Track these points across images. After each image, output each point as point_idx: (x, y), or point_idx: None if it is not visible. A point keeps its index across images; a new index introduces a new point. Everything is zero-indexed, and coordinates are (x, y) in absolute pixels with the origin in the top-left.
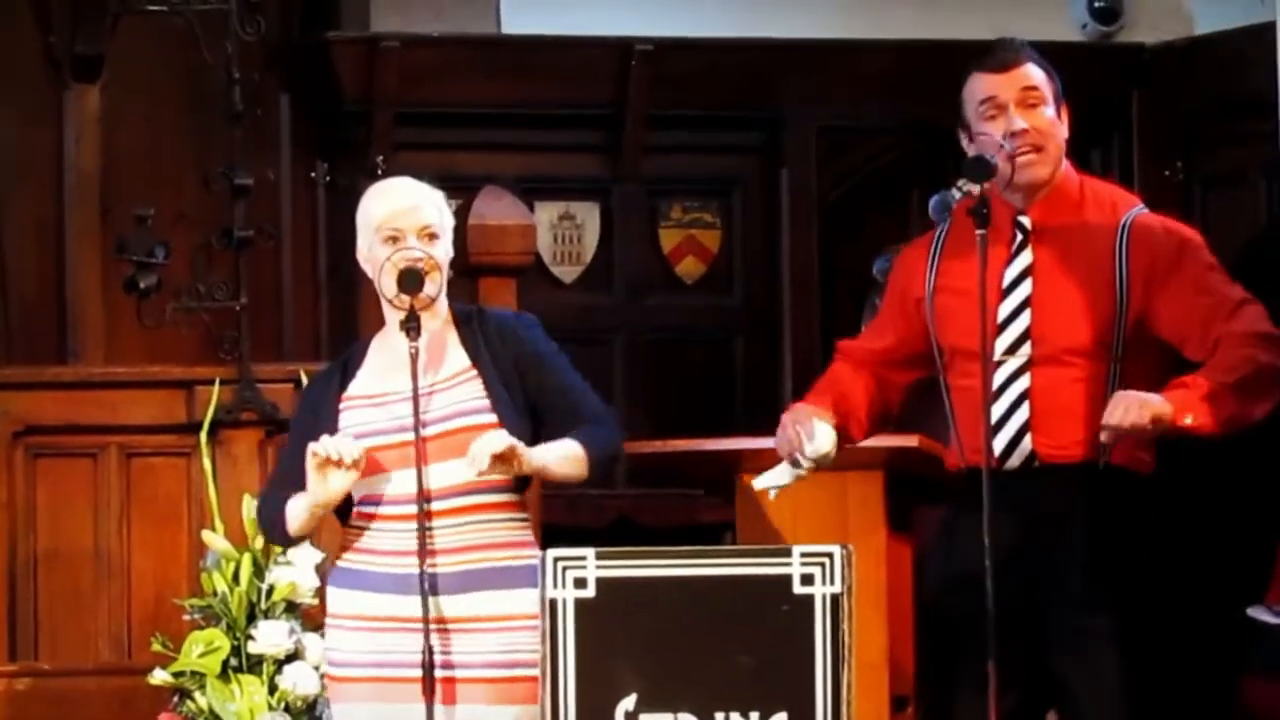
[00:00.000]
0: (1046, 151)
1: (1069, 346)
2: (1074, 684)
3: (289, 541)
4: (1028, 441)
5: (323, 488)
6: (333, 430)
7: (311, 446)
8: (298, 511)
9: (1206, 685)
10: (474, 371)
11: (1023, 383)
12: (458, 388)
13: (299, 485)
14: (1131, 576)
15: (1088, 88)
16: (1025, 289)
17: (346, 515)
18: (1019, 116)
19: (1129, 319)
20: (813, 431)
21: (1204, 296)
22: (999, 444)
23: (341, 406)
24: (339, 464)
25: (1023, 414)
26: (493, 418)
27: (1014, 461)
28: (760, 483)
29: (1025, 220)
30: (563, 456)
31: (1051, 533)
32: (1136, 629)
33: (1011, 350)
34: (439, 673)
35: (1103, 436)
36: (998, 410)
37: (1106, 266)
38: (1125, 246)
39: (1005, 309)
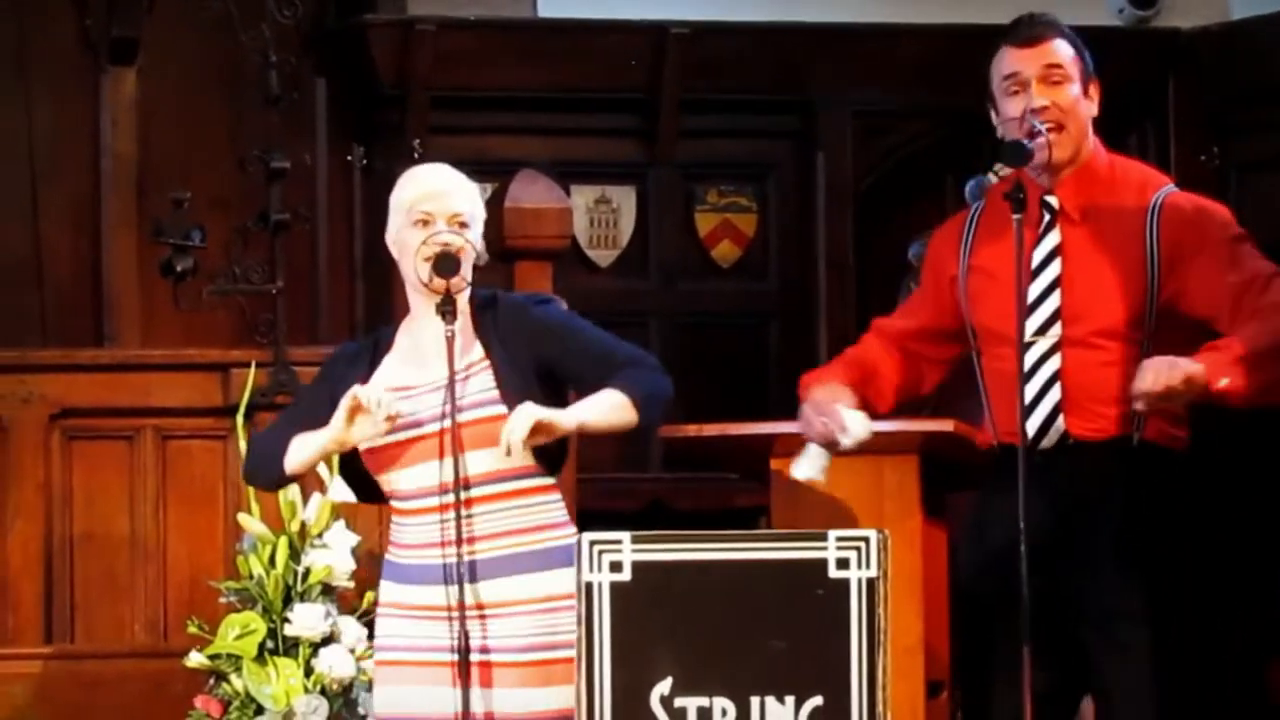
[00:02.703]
0: (1066, 130)
1: (1100, 328)
2: (1105, 664)
3: (276, 480)
4: (1060, 423)
5: (345, 431)
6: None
7: (355, 389)
8: (304, 450)
9: (1235, 667)
10: (486, 362)
11: (1054, 364)
12: (474, 377)
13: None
14: (1165, 556)
15: (1123, 73)
16: (1054, 269)
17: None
18: (1040, 93)
19: (1159, 299)
20: (843, 422)
21: (1234, 273)
22: (1032, 426)
23: None
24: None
25: (1054, 395)
26: (501, 409)
27: (1047, 443)
28: (800, 472)
29: (1052, 200)
30: (605, 408)
31: (1085, 511)
32: (1168, 610)
33: (1041, 331)
34: (480, 657)
35: (1136, 405)
36: (1030, 392)
37: (1137, 247)
38: (1156, 227)
39: (1035, 290)
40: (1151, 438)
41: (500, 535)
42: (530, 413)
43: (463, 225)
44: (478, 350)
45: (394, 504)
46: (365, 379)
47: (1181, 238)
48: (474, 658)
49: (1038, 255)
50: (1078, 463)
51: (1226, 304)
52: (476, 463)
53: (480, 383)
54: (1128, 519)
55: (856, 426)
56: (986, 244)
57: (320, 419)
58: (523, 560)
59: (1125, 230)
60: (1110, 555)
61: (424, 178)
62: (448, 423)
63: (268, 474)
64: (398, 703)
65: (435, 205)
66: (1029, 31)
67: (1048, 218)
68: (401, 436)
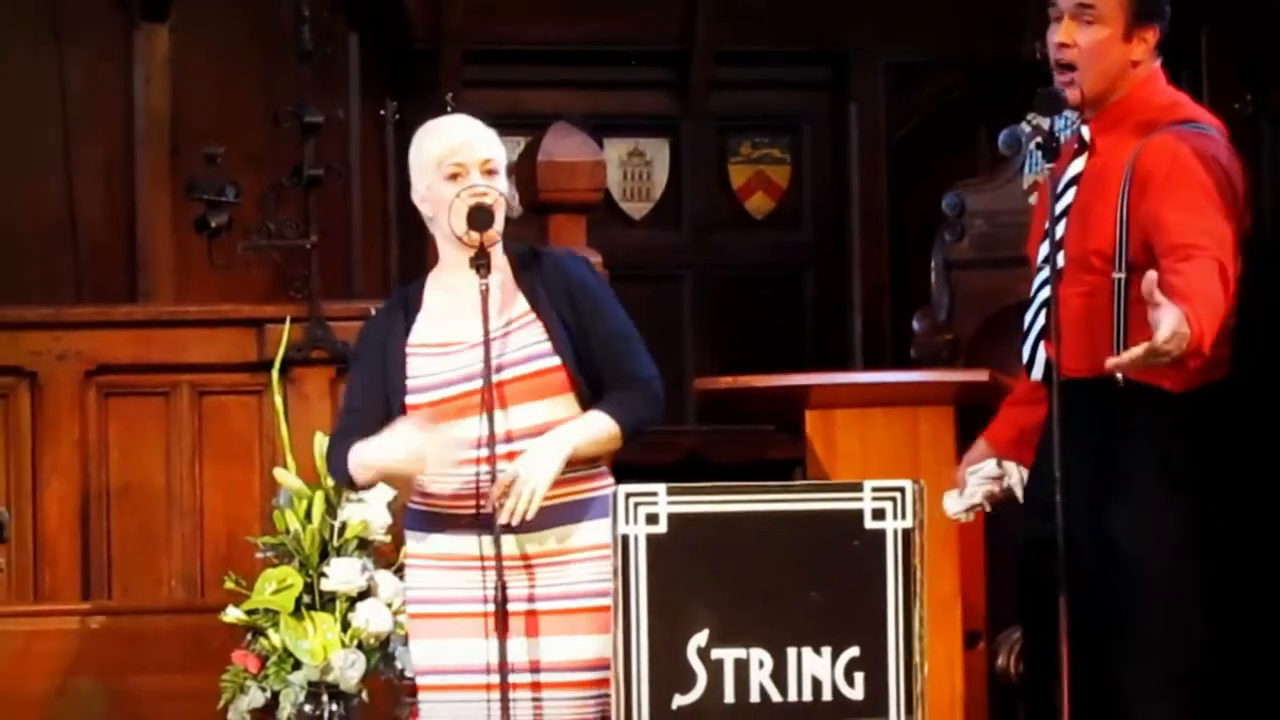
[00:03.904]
0: (1081, 71)
1: (1080, 261)
2: (1085, 609)
3: (354, 488)
4: (1043, 353)
5: (402, 469)
6: (401, 378)
7: (426, 470)
8: (366, 471)
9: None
10: (532, 315)
11: (1045, 292)
12: (516, 333)
13: (365, 429)
14: (1143, 503)
15: None
16: (1068, 198)
17: None
18: (1065, 30)
19: (1130, 237)
20: (954, 501)
21: (1163, 218)
22: (1025, 353)
23: (408, 353)
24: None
25: (1039, 324)
26: (556, 360)
27: (1036, 373)
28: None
29: (1085, 131)
30: (595, 439)
31: (1074, 452)
32: (1148, 564)
33: (1048, 259)
34: (531, 606)
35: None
36: (1026, 320)
37: (1116, 185)
38: (1132, 165)
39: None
40: (1137, 378)
41: (574, 481)
42: (534, 488)
43: (492, 172)
44: (522, 303)
45: None
46: (403, 343)
47: (1148, 179)
48: (526, 606)
49: (1061, 184)
50: (1065, 401)
51: (1157, 255)
52: (529, 415)
53: (529, 335)
54: (1104, 464)
55: (953, 508)
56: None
57: (372, 398)
58: (567, 510)
59: (1119, 164)
60: (1085, 501)
61: (449, 130)
62: (498, 376)
63: (346, 485)
64: (441, 656)
65: (466, 156)
66: None
67: (1077, 148)
68: (449, 393)
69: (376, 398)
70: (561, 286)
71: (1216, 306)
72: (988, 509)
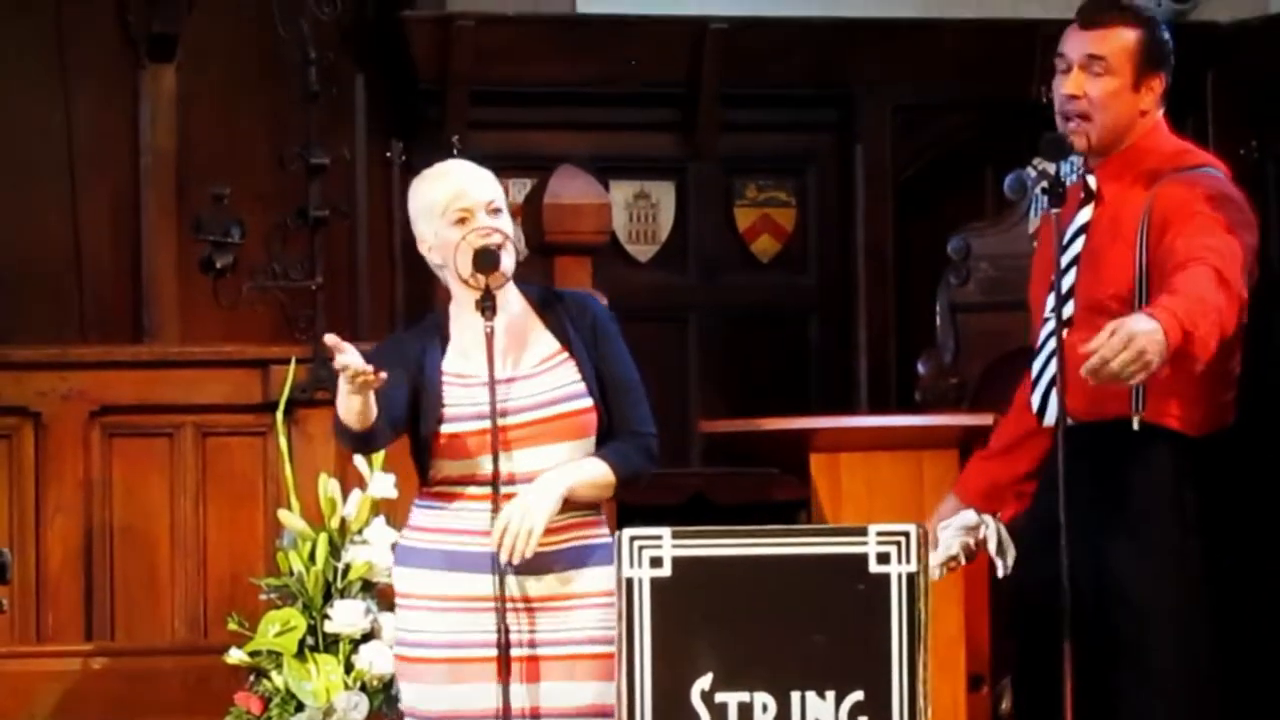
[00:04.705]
0: (1093, 122)
1: (1094, 306)
2: (1095, 662)
3: (356, 443)
4: (1055, 399)
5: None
6: (439, 405)
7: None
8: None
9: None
10: (565, 354)
11: (1055, 341)
12: (551, 372)
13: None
14: (1156, 549)
15: None
16: (1077, 246)
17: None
18: (1074, 81)
19: (1150, 280)
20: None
21: (1174, 246)
22: (1035, 400)
23: (443, 380)
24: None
25: (1050, 370)
26: (589, 401)
27: (1049, 420)
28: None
29: (1091, 180)
30: (592, 483)
31: (1083, 495)
32: (1164, 607)
33: (1056, 308)
34: (541, 650)
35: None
36: (1036, 366)
37: (1132, 230)
38: (1150, 211)
39: (1058, 266)
40: (1154, 420)
41: (564, 529)
42: (524, 521)
43: (496, 211)
44: (551, 343)
45: (454, 489)
46: (441, 363)
47: (1167, 215)
48: (533, 651)
49: (1069, 233)
50: (1078, 446)
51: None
52: (558, 455)
53: (565, 375)
54: (1111, 506)
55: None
56: (1047, 224)
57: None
58: (585, 553)
59: (1131, 213)
60: (1094, 545)
61: (451, 176)
62: (524, 416)
63: (346, 438)
64: (447, 700)
65: (470, 200)
66: (1091, 13)
67: (1083, 196)
68: (476, 426)
69: (395, 396)
70: (590, 327)
71: (1205, 302)
72: (964, 562)
